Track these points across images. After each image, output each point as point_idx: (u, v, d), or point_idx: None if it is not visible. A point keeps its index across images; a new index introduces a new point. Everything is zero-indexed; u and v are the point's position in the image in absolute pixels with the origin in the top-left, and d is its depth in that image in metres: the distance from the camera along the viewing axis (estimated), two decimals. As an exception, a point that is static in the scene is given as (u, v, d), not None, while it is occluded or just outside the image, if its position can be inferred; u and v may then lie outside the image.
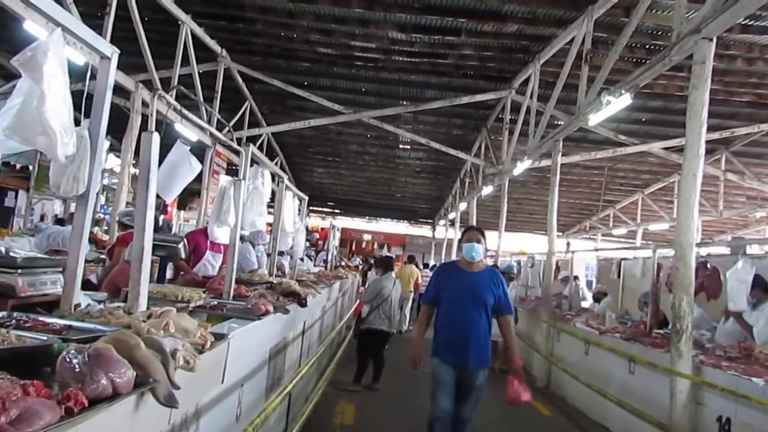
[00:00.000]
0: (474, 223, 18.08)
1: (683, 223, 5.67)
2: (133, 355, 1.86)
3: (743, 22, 8.31)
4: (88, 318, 2.63)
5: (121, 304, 3.22)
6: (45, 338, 2.04)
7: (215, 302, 4.12)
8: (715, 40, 5.66)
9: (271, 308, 4.14)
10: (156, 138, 2.96)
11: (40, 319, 2.44)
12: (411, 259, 17.33)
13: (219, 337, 2.92)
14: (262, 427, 4.10)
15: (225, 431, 3.36)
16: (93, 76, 3.08)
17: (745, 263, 6.23)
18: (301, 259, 11.50)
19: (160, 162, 3.67)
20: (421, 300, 5.12)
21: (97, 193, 17.21)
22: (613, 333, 7.72)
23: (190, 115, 3.95)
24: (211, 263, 6.53)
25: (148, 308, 2.97)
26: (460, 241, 4.86)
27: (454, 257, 23.89)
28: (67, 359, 1.61)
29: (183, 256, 4.85)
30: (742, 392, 4.65)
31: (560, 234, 26.83)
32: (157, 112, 4.04)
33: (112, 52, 2.98)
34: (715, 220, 19.91)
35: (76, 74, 3.57)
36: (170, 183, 3.90)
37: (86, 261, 6.88)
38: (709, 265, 7.15)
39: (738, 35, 8.84)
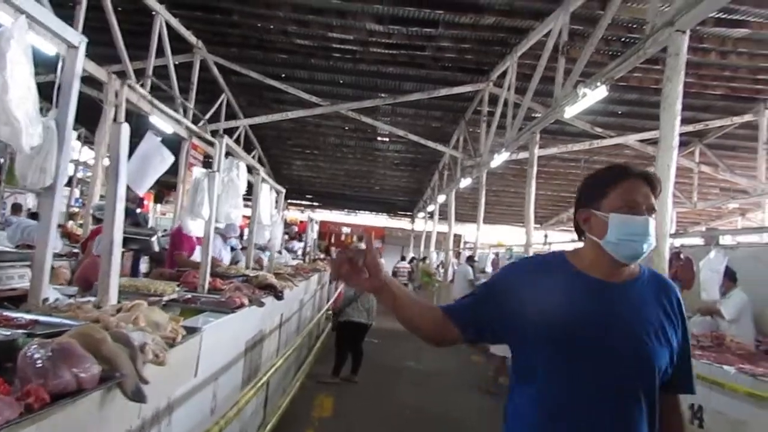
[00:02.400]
0: (453, 215, 18.10)
1: (657, 213, 5.71)
2: (99, 350, 1.82)
3: (716, 15, 8.39)
4: (56, 312, 2.58)
5: (92, 299, 3.17)
6: (8, 333, 1.99)
7: (189, 295, 4.07)
8: (688, 32, 5.70)
9: (246, 301, 4.11)
10: (125, 129, 2.90)
11: (5, 313, 2.39)
12: None
13: (191, 330, 2.89)
14: (237, 419, 4.08)
15: (199, 425, 3.32)
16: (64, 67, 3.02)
17: (718, 253, 6.32)
18: (279, 252, 11.45)
19: (132, 154, 3.61)
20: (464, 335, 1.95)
21: (71, 186, 16.95)
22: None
23: (162, 106, 3.89)
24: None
25: (119, 302, 2.93)
26: (591, 200, 1.97)
27: (433, 249, 24.08)
28: (29, 354, 1.58)
29: (156, 249, 4.79)
30: (714, 379, 4.72)
31: (538, 226, 27.03)
32: (131, 103, 3.98)
33: (80, 41, 2.92)
34: (689, 212, 20.17)
35: (46, 65, 3.50)
36: (142, 175, 3.84)
37: (59, 255, 6.76)
38: (682, 256, 7.24)
39: (711, 28, 8.93)
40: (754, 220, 20.57)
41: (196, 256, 6.13)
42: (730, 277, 6.27)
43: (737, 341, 5.57)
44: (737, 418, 4.46)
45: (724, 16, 8.50)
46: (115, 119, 3.02)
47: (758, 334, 6.47)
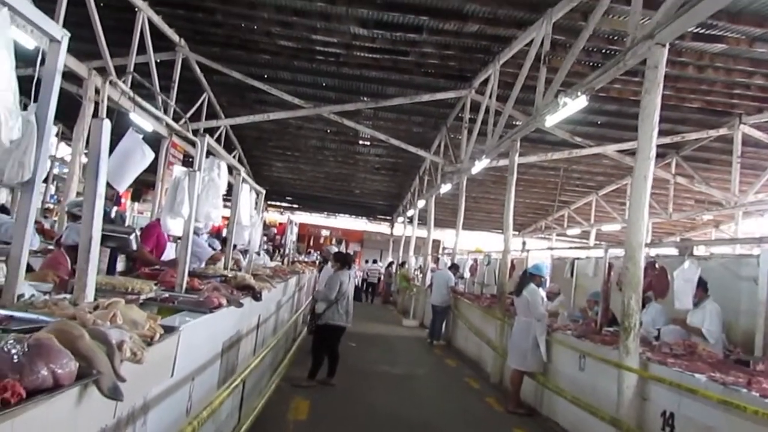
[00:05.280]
0: (432, 221, 18.17)
1: (633, 223, 5.82)
2: (77, 346, 1.81)
3: (695, 30, 8.56)
4: (32, 309, 2.55)
5: (68, 296, 3.13)
6: (-17, 329, 1.97)
7: (167, 294, 4.04)
8: (667, 46, 5.81)
9: (224, 301, 4.08)
10: (107, 125, 2.88)
11: (-21, 309, 2.35)
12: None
13: (169, 329, 2.87)
14: (211, 420, 4.05)
15: (174, 425, 3.30)
16: (44, 61, 2.98)
17: (692, 263, 6.44)
18: (258, 254, 11.39)
19: (112, 150, 3.58)
20: None
21: (47, 183, 16.66)
22: (564, 330, 7.86)
23: (144, 103, 3.87)
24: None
25: (95, 299, 2.90)
26: None
27: (411, 254, 24.17)
28: (5, 349, 1.56)
29: (134, 247, 4.75)
30: (686, 386, 4.80)
31: (516, 233, 27.23)
32: (110, 99, 3.95)
33: (62, 36, 2.88)
34: (665, 222, 20.48)
35: (26, 59, 3.45)
36: (122, 172, 3.79)
37: (34, 252, 6.65)
38: (657, 265, 7.35)
39: (690, 42, 9.10)
40: (728, 232, 20.93)
41: (168, 255, 6.09)
42: (702, 287, 6.39)
43: (708, 350, 5.68)
44: (706, 423, 4.55)
45: (702, 31, 8.66)
46: (96, 115, 2.98)
47: (728, 343, 6.60)
